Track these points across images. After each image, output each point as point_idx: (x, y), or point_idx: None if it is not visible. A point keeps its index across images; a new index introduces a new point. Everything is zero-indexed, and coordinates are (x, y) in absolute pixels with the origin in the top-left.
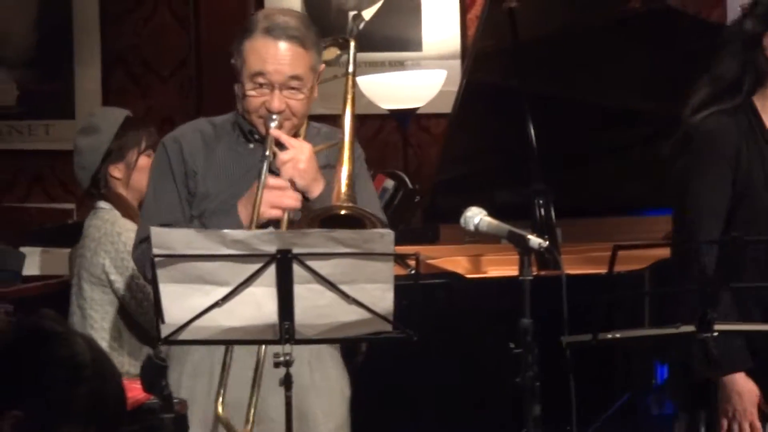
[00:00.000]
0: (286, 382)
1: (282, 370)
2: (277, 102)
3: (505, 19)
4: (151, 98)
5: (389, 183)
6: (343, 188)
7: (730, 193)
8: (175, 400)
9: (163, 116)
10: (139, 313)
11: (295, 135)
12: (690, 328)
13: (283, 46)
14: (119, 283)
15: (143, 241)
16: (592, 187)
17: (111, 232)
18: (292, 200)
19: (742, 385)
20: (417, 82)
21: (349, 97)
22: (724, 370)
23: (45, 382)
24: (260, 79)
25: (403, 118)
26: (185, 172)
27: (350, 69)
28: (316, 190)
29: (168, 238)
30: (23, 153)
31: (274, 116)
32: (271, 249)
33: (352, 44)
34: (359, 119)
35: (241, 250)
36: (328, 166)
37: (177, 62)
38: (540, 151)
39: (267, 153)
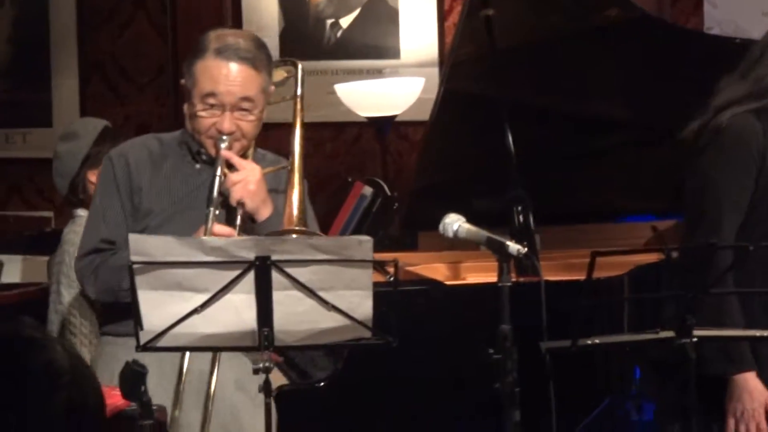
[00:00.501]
0: (266, 389)
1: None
2: (227, 123)
3: (483, 27)
4: (129, 106)
5: (367, 190)
6: (295, 211)
7: (753, 188)
8: (154, 407)
9: (140, 124)
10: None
11: (244, 157)
12: (669, 334)
13: (234, 67)
14: None
15: (88, 253)
16: (570, 194)
17: None
18: (225, 231)
19: (753, 385)
20: (395, 90)
21: (298, 119)
22: (736, 367)
23: (22, 390)
24: (211, 100)
25: (382, 125)
26: (131, 188)
27: (298, 92)
28: (264, 212)
29: (146, 245)
30: (1, 161)
31: (225, 137)
32: (250, 256)
33: (300, 66)
34: (338, 127)
35: (220, 256)
36: (273, 191)
37: (155, 70)
38: (518, 158)
39: (218, 173)
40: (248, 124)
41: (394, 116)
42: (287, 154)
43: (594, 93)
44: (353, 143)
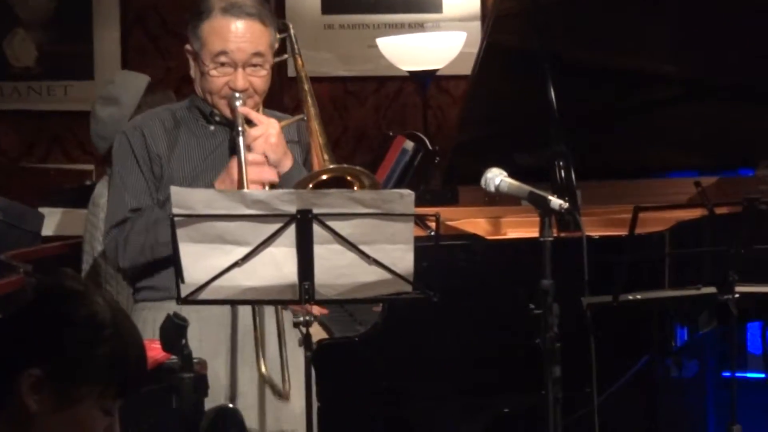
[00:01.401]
0: (306, 342)
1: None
2: (241, 80)
3: None
4: (171, 59)
5: (409, 144)
6: (324, 155)
7: None
8: (194, 360)
9: (182, 77)
10: None
11: None
12: (711, 290)
13: (243, 24)
14: None
15: (114, 226)
16: (612, 149)
17: None
18: (271, 174)
19: None
20: (437, 44)
21: (303, 74)
22: None
23: (65, 342)
24: (222, 59)
25: (423, 79)
26: (149, 158)
27: (296, 49)
28: (286, 164)
29: (188, 198)
30: (42, 114)
31: (239, 95)
32: (291, 209)
33: (291, 26)
34: (379, 81)
35: (261, 210)
36: (291, 141)
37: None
38: (560, 114)
39: (240, 128)
40: (259, 79)
41: (436, 70)
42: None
43: (638, 47)
44: (394, 97)
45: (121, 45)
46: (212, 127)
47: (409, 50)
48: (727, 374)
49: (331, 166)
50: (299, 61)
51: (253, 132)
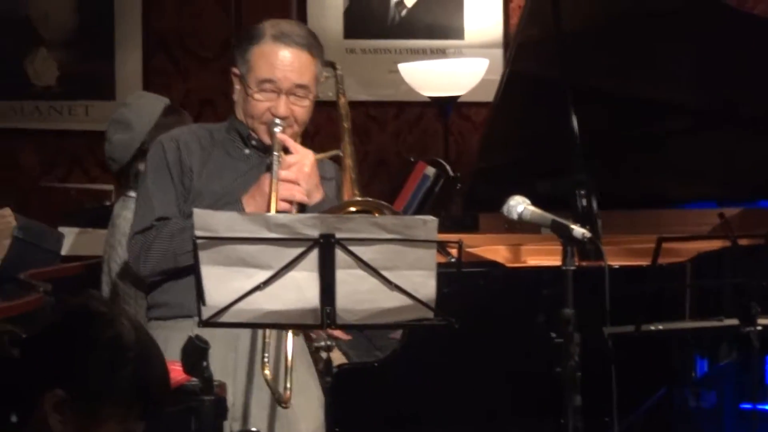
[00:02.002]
0: (327, 368)
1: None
2: (283, 107)
3: (549, 9)
4: (191, 81)
5: (430, 170)
6: (354, 189)
7: None
8: (214, 382)
9: (202, 99)
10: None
11: None
12: (733, 322)
13: (292, 53)
14: None
15: (139, 232)
16: (633, 178)
17: None
18: (302, 195)
19: None
20: (459, 70)
21: (344, 113)
22: None
23: (89, 363)
24: (268, 85)
25: (445, 106)
26: (182, 169)
27: (340, 89)
28: (316, 196)
29: (210, 221)
30: (63, 133)
31: (279, 121)
32: (314, 233)
33: (338, 68)
34: (401, 106)
35: (284, 233)
36: (325, 178)
37: (218, 45)
38: (582, 142)
39: (276, 153)
40: (301, 109)
41: (457, 97)
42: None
43: (660, 77)
44: (415, 123)
45: (143, 66)
46: (247, 151)
47: (430, 76)
48: (746, 406)
49: (357, 199)
50: (342, 100)
51: (288, 159)
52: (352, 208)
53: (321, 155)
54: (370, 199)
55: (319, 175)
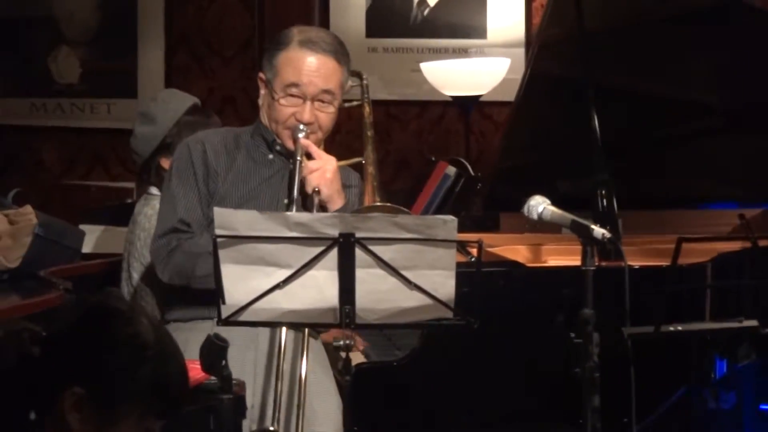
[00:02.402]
0: (346, 367)
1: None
2: (308, 113)
3: (572, 8)
4: (214, 79)
5: (451, 170)
6: (375, 195)
7: None
8: (233, 381)
9: (224, 97)
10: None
11: None
12: (753, 323)
13: (318, 59)
14: None
15: (165, 234)
16: (654, 178)
17: None
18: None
19: None
20: (481, 70)
21: (368, 121)
22: None
23: (108, 361)
24: (293, 90)
25: (466, 105)
26: (207, 172)
27: (366, 97)
28: (338, 202)
29: (231, 219)
30: (85, 131)
31: (302, 126)
32: (334, 232)
33: (365, 76)
34: (422, 105)
35: (304, 232)
36: (348, 186)
37: (240, 43)
38: (603, 142)
39: (299, 158)
40: (326, 116)
41: (479, 96)
42: None
43: (682, 78)
44: (437, 122)
45: (165, 64)
46: (271, 156)
47: (452, 75)
48: (765, 407)
49: (377, 204)
50: (367, 109)
51: (310, 164)
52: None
53: (344, 162)
54: (389, 204)
55: (341, 182)
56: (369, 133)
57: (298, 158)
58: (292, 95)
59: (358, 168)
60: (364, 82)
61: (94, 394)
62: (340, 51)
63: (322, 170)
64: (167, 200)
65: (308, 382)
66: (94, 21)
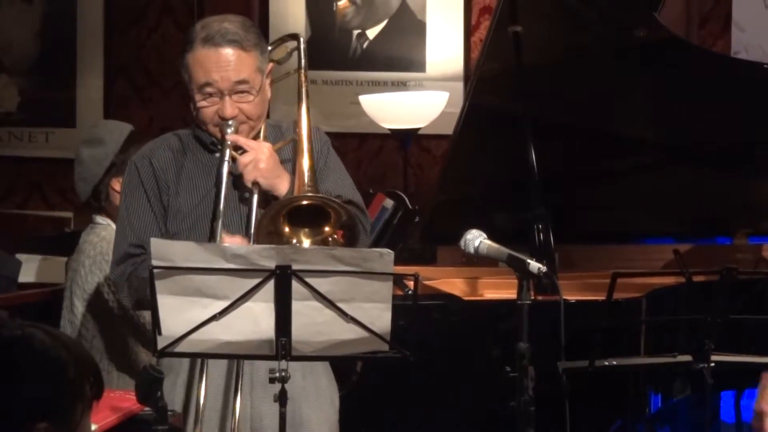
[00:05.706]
0: (281, 398)
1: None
2: (229, 108)
3: (510, 43)
4: (153, 109)
5: (388, 203)
6: (306, 179)
7: None
8: (169, 412)
9: (164, 127)
10: (137, 331)
11: (255, 137)
12: (686, 358)
13: (224, 52)
14: (115, 302)
15: (121, 261)
16: (590, 213)
17: (107, 251)
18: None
19: None
20: (419, 103)
21: (304, 90)
22: None
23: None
24: (208, 89)
25: (405, 138)
26: (158, 188)
27: (302, 64)
28: (282, 187)
29: (167, 250)
30: (23, 160)
31: (230, 122)
32: (271, 264)
33: (301, 39)
34: (361, 137)
35: (241, 264)
36: (289, 161)
37: (180, 74)
38: (540, 176)
39: (226, 158)
40: (249, 105)
41: (417, 129)
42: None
43: (619, 113)
44: (376, 154)
45: (104, 93)
46: (218, 155)
47: (391, 108)
48: None
49: (313, 194)
50: (302, 77)
51: (242, 159)
52: (304, 202)
53: (277, 145)
54: (324, 196)
55: (283, 160)
56: (303, 105)
57: (225, 158)
58: (210, 94)
59: (293, 146)
60: (301, 45)
61: (55, 420)
62: (245, 38)
63: (255, 161)
64: (119, 227)
65: (306, 392)
66: (34, 50)
